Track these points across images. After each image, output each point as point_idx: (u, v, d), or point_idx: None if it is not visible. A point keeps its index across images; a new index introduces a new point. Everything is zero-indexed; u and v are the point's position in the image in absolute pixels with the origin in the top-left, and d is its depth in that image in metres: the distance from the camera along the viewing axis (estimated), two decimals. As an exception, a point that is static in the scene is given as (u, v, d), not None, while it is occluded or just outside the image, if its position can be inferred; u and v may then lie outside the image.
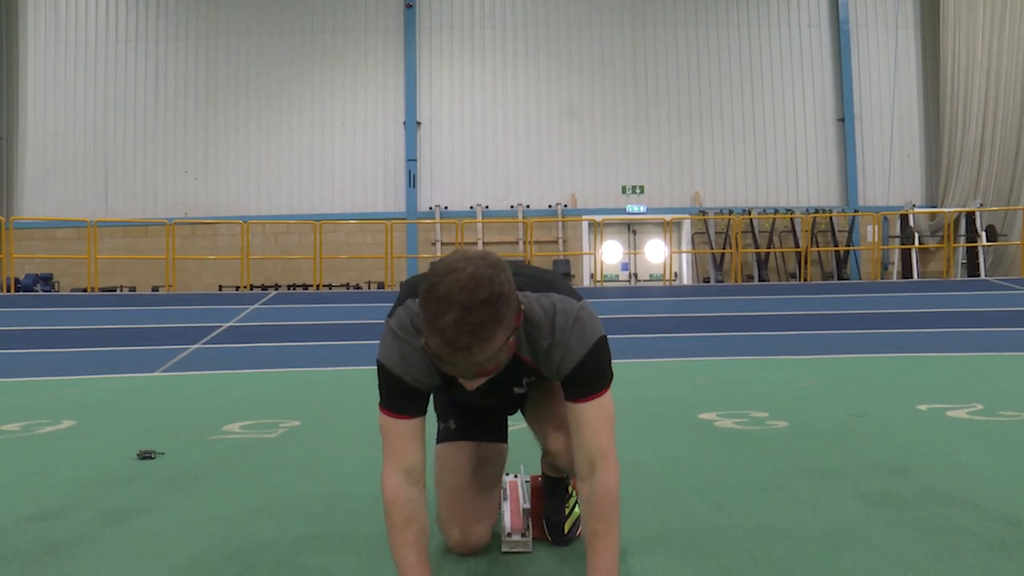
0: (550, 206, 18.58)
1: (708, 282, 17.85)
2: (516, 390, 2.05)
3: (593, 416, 1.88)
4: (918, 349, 8.61)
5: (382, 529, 2.33)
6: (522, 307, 1.77)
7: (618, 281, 18.74)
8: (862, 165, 18.99)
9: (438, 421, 2.37)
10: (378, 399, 1.91)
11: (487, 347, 1.63)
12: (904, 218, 17.91)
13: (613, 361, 1.95)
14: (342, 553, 2.26)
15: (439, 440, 2.33)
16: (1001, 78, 18.23)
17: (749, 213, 18.13)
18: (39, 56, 19.21)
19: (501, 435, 2.37)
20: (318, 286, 15.90)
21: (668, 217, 17.09)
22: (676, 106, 19.09)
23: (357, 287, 17.57)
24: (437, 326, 1.61)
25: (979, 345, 8.77)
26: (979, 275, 16.71)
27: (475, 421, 2.33)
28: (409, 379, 1.87)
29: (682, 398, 5.58)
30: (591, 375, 1.88)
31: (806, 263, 16.97)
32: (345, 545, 2.34)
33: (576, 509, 2.38)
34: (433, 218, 18.38)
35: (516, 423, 2.42)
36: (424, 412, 1.93)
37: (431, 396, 2.13)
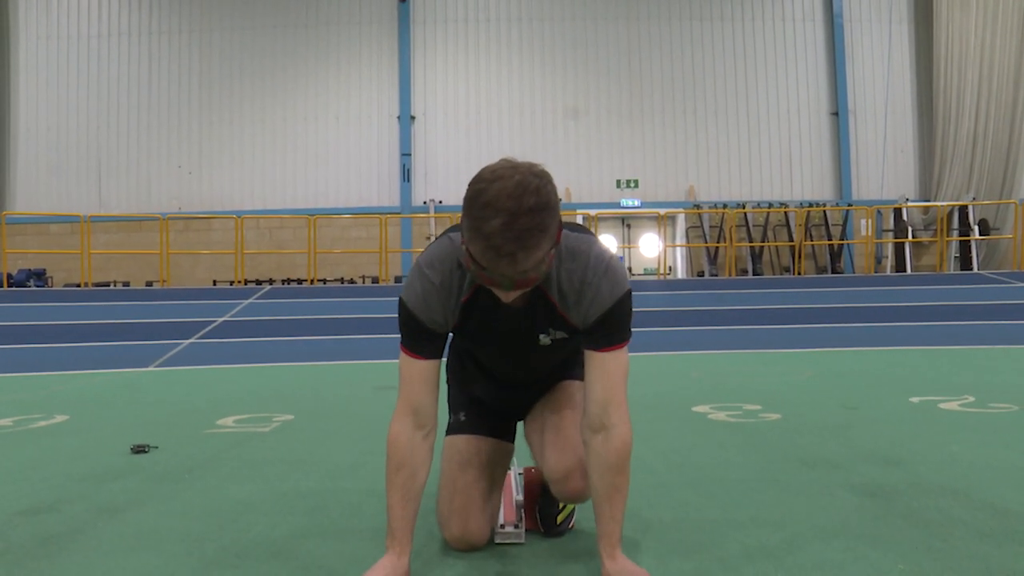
0: (544, 200, 18.54)
1: (702, 276, 17.87)
2: (542, 339, 2.01)
3: (613, 366, 1.89)
4: (911, 342, 8.64)
5: (376, 521, 2.34)
6: (561, 226, 1.78)
7: (612, 275, 18.72)
8: (856, 159, 19.02)
9: (449, 413, 2.34)
10: (399, 338, 1.96)
11: (531, 255, 1.65)
12: (897, 212, 17.95)
13: None
14: (336, 545, 2.26)
15: (449, 432, 2.31)
16: (994, 72, 18.26)
17: (743, 207, 18.15)
18: (31, 50, 19.11)
19: (509, 435, 2.35)
20: (312, 281, 15.88)
21: (662, 211, 17.12)
22: (670, 100, 19.08)
23: (351, 282, 17.54)
24: (483, 231, 1.62)
25: (971, 338, 8.80)
26: (972, 269, 16.77)
27: (486, 416, 2.31)
28: (424, 318, 1.90)
29: (676, 391, 5.60)
30: (616, 325, 1.89)
31: (800, 257, 17.00)
32: (339, 537, 2.34)
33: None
34: (427, 212, 18.36)
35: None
36: (439, 356, 1.96)
37: (445, 374, 2.16)
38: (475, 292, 1.91)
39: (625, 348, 1.92)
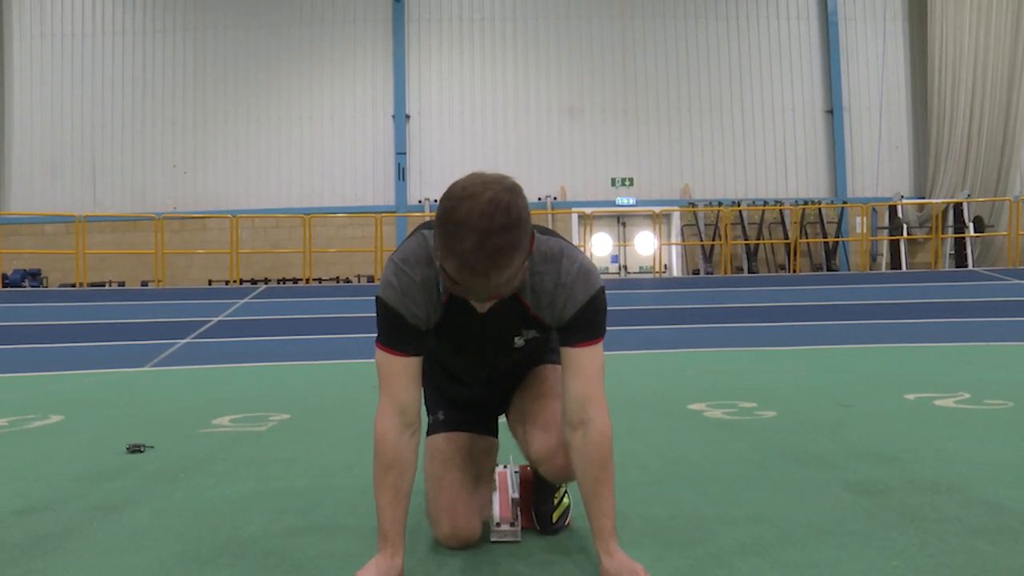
0: (540, 199, 18.57)
1: (698, 274, 17.88)
2: (517, 341, 2.03)
3: (588, 361, 1.91)
4: (906, 339, 8.66)
5: (371, 520, 2.33)
6: (534, 234, 1.77)
7: (608, 273, 18.76)
8: (851, 157, 19.05)
9: (428, 414, 2.34)
10: (375, 336, 1.92)
11: (504, 272, 1.65)
12: (892, 209, 17.98)
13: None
14: (331, 544, 2.26)
15: (429, 432, 2.31)
16: (988, 70, 18.29)
17: (738, 205, 18.17)
18: (25, 49, 19.05)
19: (491, 430, 2.36)
20: (307, 280, 15.87)
21: (657, 209, 17.14)
22: (665, 98, 19.09)
23: (347, 281, 17.54)
24: (456, 251, 1.61)
25: (966, 335, 8.82)
26: (967, 266, 16.80)
27: (465, 414, 2.32)
28: (407, 315, 1.89)
29: (671, 389, 5.61)
30: (591, 321, 1.91)
31: (795, 254, 17.03)
32: (334, 536, 2.34)
33: (565, 499, 2.38)
34: (423, 211, 18.35)
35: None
36: (421, 352, 1.94)
37: (424, 383, 2.12)
38: (452, 294, 1.91)
39: (600, 344, 1.94)
